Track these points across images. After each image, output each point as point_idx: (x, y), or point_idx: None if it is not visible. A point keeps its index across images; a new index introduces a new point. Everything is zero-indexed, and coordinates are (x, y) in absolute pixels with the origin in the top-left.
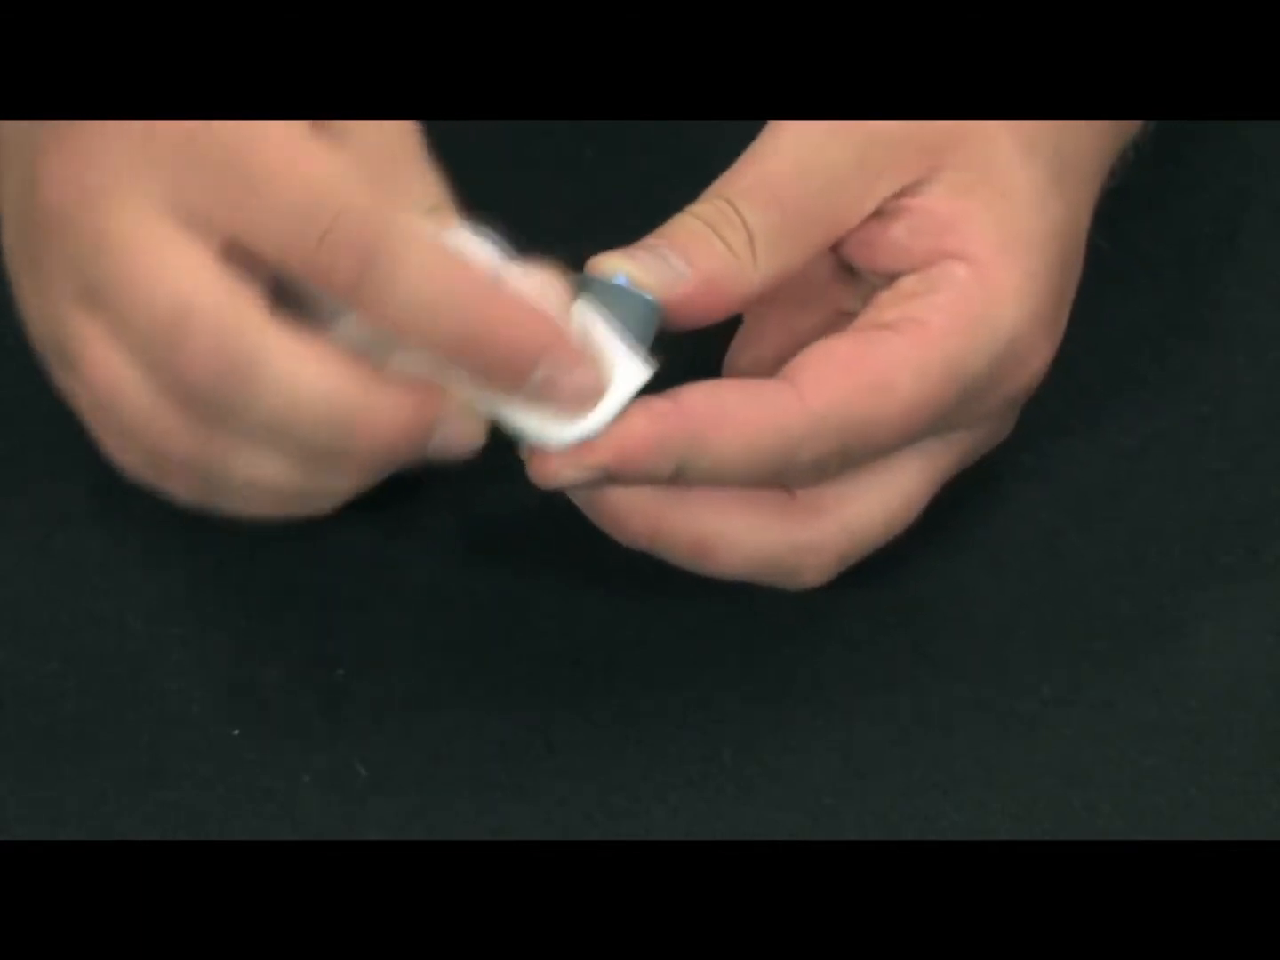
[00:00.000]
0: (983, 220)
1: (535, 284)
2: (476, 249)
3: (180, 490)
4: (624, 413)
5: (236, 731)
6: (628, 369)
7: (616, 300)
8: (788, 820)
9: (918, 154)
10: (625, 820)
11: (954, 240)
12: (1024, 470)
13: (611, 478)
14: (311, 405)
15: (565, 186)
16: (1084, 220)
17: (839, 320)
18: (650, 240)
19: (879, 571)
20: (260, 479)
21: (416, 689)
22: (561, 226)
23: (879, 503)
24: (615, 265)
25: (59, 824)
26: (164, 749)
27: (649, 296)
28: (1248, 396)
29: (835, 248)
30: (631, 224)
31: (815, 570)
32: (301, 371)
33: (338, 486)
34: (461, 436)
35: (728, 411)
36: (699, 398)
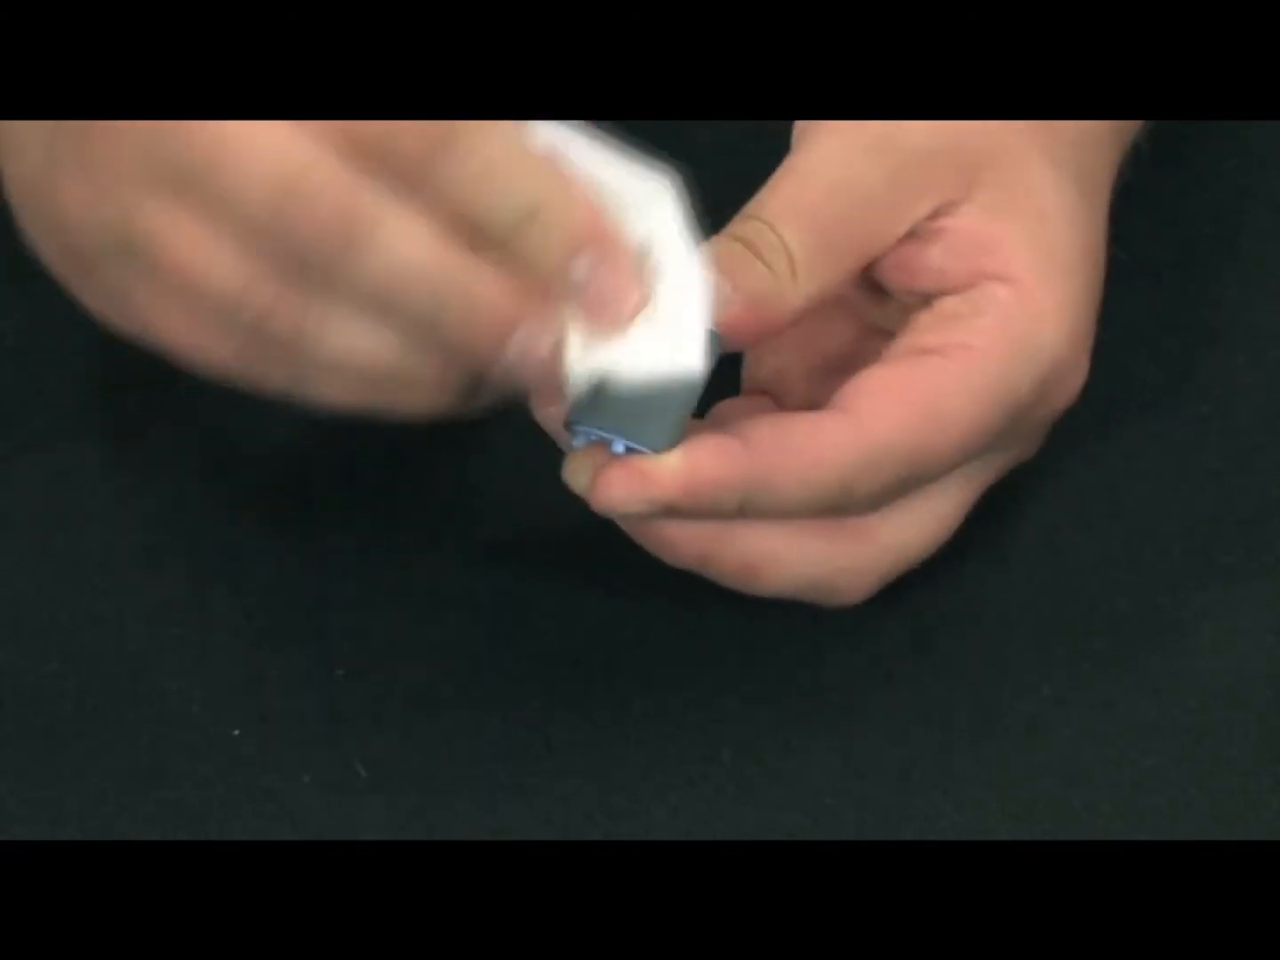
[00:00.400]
0: (1019, 241)
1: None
2: (571, 139)
3: (270, 374)
4: (690, 449)
5: (236, 731)
6: (684, 354)
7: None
8: (788, 820)
9: (951, 174)
10: (625, 820)
11: (992, 262)
12: (1026, 470)
13: (673, 512)
14: (418, 271)
15: None
16: (1105, 232)
17: (866, 335)
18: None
19: None
20: (356, 352)
21: (416, 689)
22: None
23: (919, 525)
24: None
25: (59, 824)
26: (164, 749)
27: (709, 329)
28: (1248, 396)
29: (868, 267)
30: None
31: (856, 590)
32: (413, 238)
33: (425, 377)
34: (542, 347)
35: (794, 449)
36: (766, 434)
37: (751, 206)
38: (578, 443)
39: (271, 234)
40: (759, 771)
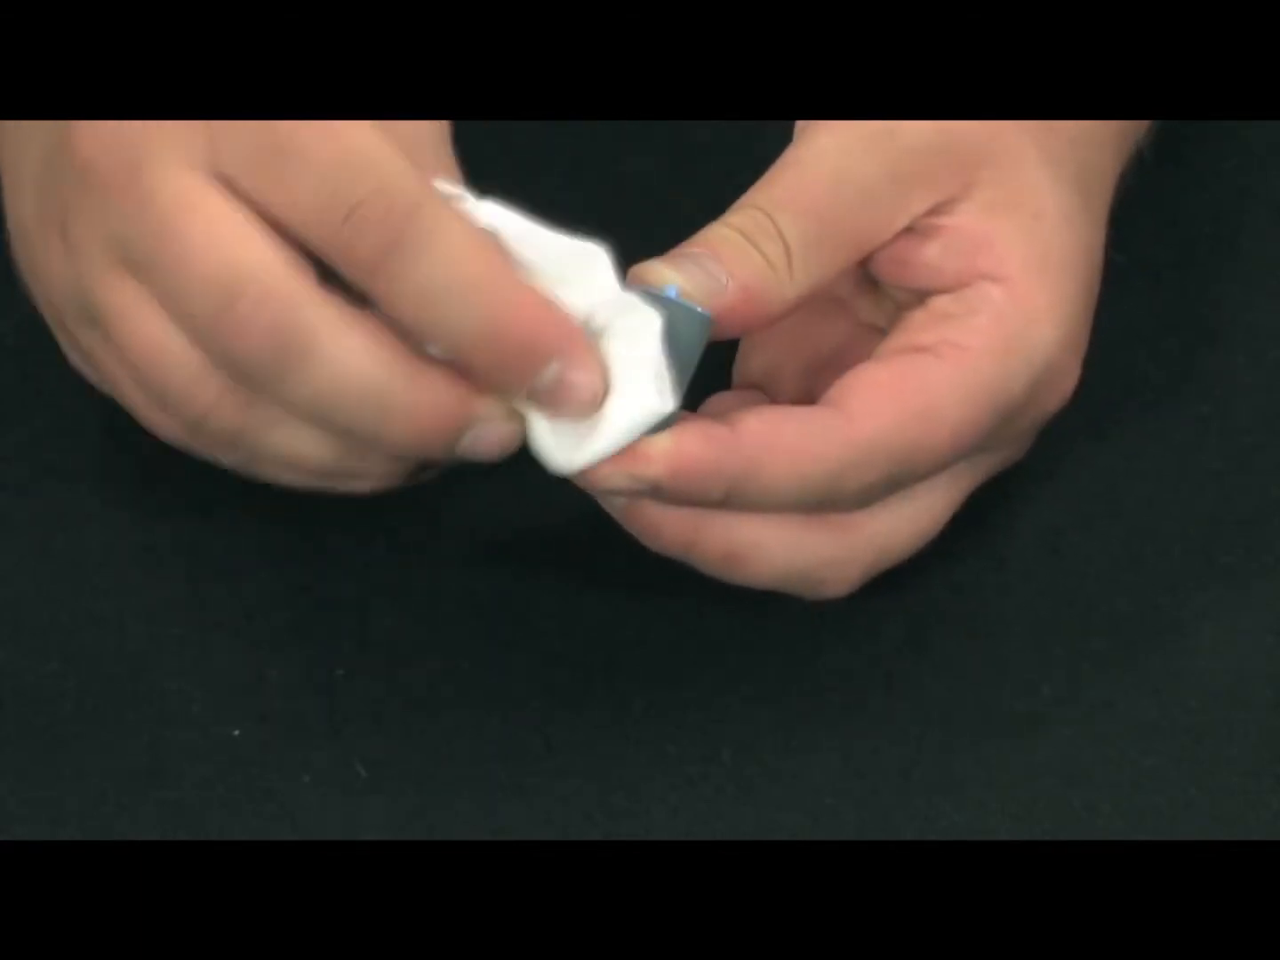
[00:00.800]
0: (1015, 241)
1: (573, 251)
2: (509, 221)
3: (217, 455)
4: (680, 432)
5: (236, 731)
6: (649, 399)
7: (667, 313)
8: (788, 820)
9: (950, 171)
10: (625, 820)
11: (988, 261)
12: (1024, 470)
13: (658, 492)
14: (357, 387)
15: (569, 187)
16: (1103, 236)
17: (858, 332)
18: (690, 248)
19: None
20: (298, 454)
21: (416, 689)
22: (564, 226)
23: (907, 521)
24: (664, 276)
25: (59, 824)
26: (164, 749)
27: (700, 310)
28: (1248, 396)
29: (863, 262)
30: (635, 225)
31: (840, 583)
32: (350, 351)
33: (371, 470)
34: (496, 438)
35: (783, 441)
36: (756, 425)
37: (750, 195)
38: None
39: (215, 337)
40: (759, 771)
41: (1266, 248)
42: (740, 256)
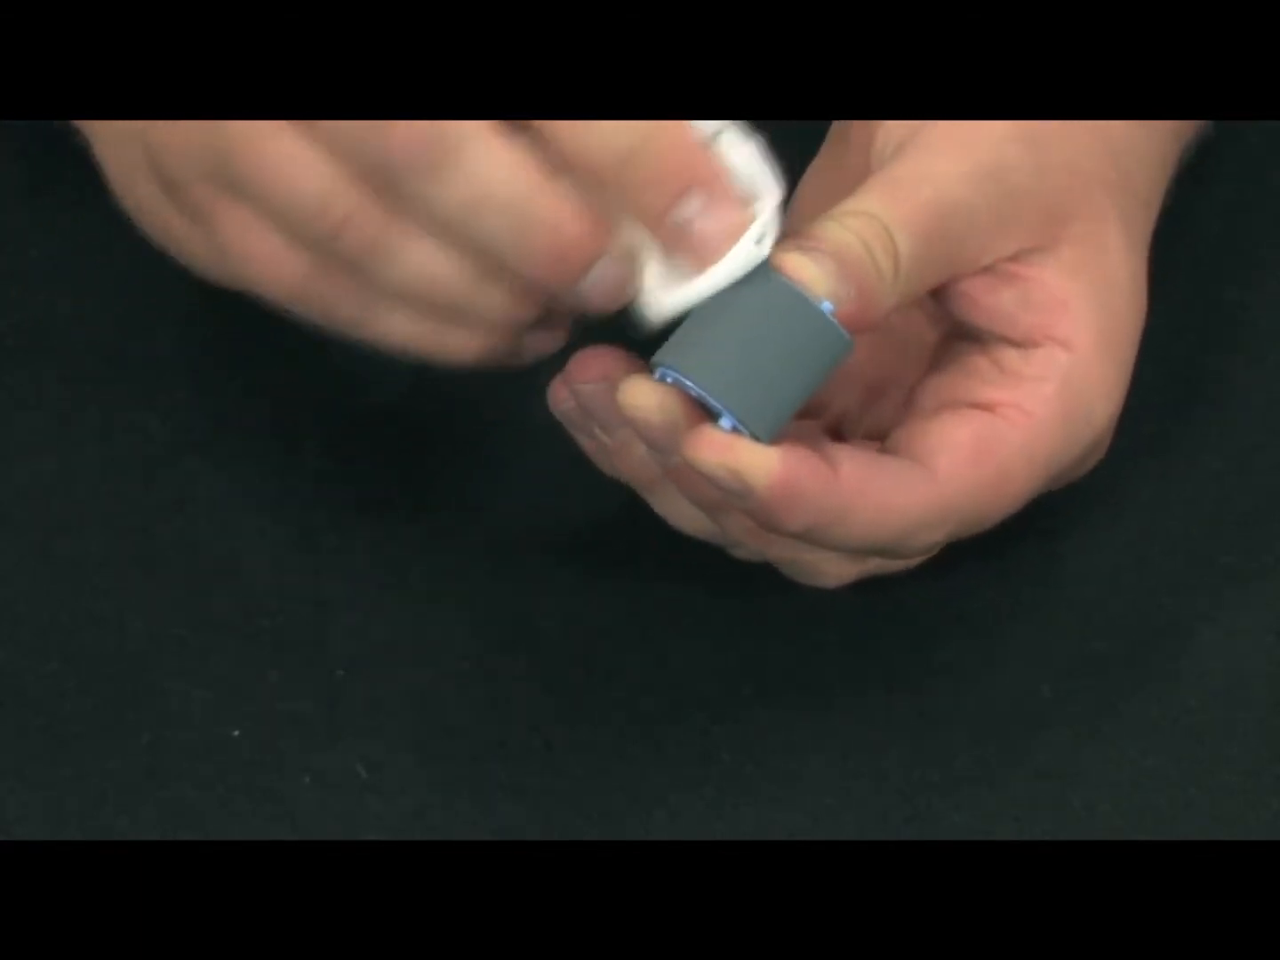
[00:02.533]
0: (1089, 307)
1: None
2: None
3: (337, 300)
4: (787, 456)
5: (236, 732)
6: (746, 248)
7: (809, 323)
8: (788, 820)
9: (1043, 222)
10: (625, 820)
11: (1061, 325)
12: None
13: (743, 498)
14: (503, 194)
15: None
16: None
17: (889, 342)
18: (816, 244)
19: None
20: (428, 275)
21: (416, 689)
22: None
23: None
24: (816, 283)
25: (59, 824)
26: (164, 749)
27: (848, 337)
28: (1248, 397)
29: (937, 291)
30: None
31: (835, 577)
32: (499, 159)
33: (494, 307)
34: (615, 279)
35: (874, 491)
36: (852, 470)
37: (865, 202)
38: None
39: (360, 145)
40: (759, 771)
41: (1266, 248)
42: (862, 267)
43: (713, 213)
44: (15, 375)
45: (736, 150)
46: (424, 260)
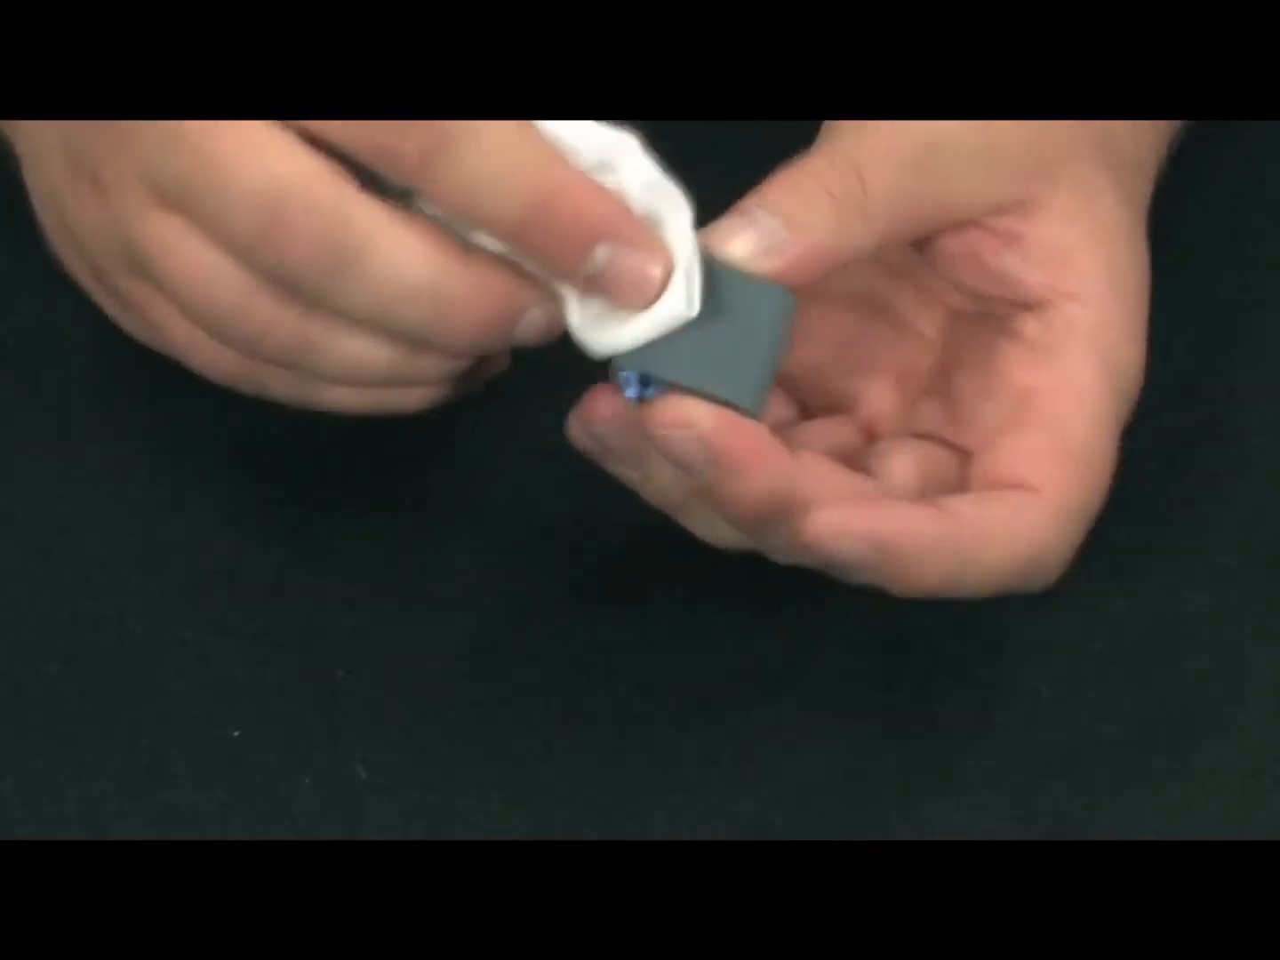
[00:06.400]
0: (1091, 255)
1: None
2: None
3: (275, 387)
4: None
5: (236, 732)
6: (676, 303)
7: (744, 292)
8: (788, 820)
9: (1038, 168)
10: (625, 820)
11: (1068, 278)
12: None
13: (873, 553)
14: (415, 286)
15: None
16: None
17: (899, 333)
18: (752, 204)
19: None
20: (357, 363)
21: (416, 689)
22: None
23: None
24: (729, 249)
25: (59, 824)
26: (164, 749)
27: (782, 291)
28: (1249, 397)
29: (928, 257)
30: None
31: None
32: (404, 252)
33: (429, 373)
34: (546, 323)
35: (994, 522)
36: (972, 512)
37: (834, 144)
38: (629, 392)
39: (264, 253)
40: (759, 771)
41: (1267, 248)
42: (808, 206)
43: (624, 257)
44: (15, 375)
45: (635, 169)
46: (351, 350)
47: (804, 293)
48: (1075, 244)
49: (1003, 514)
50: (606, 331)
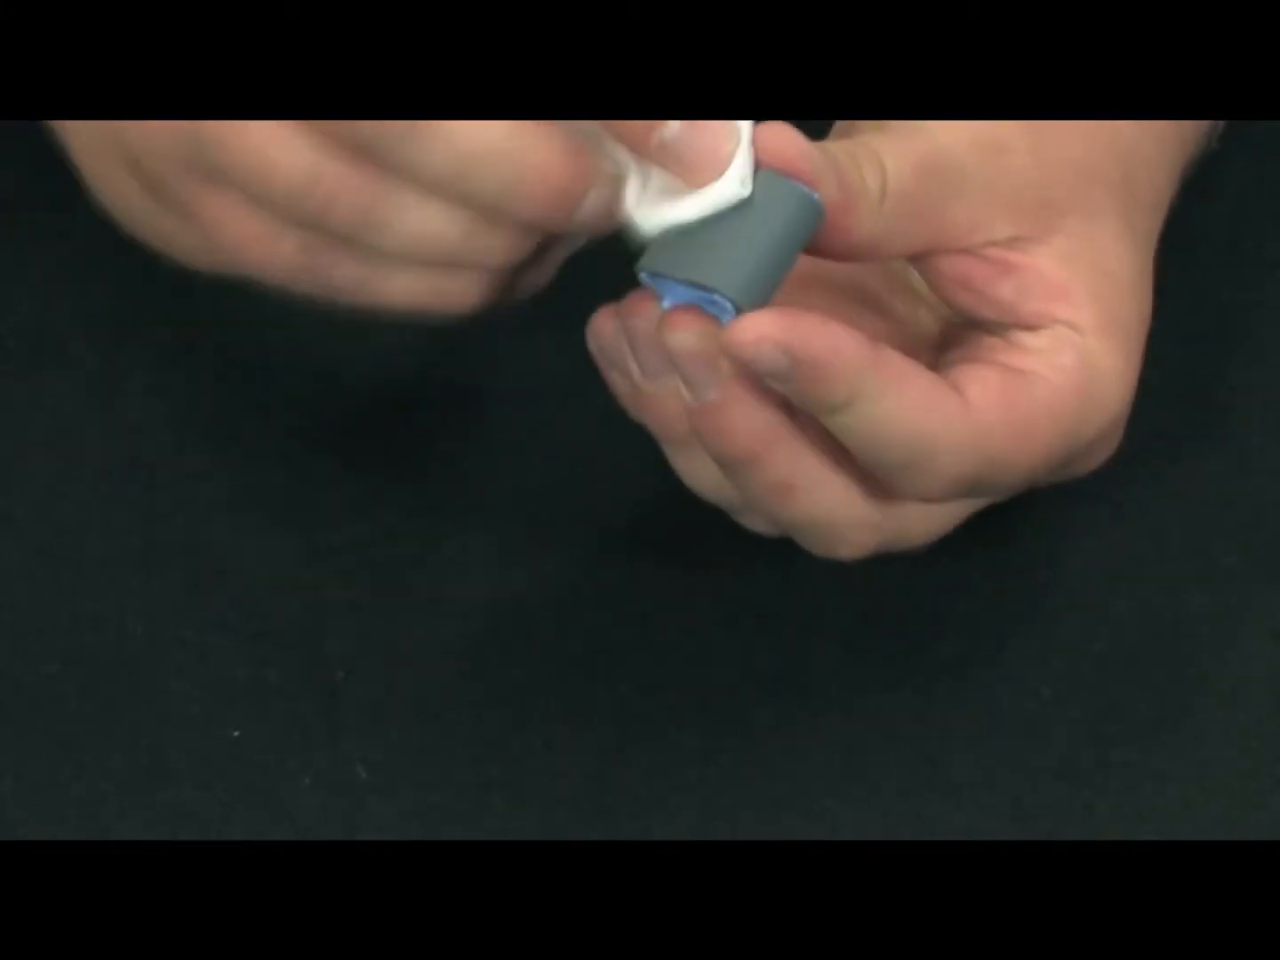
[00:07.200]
0: (1087, 295)
1: None
2: None
3: (333, 272)
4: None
5: (236, 732)
6: (730, 184)
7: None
8: (788, 820)
9: (1039, 208)
10: (625, 820)
11: (1064, 309)
12: None
13: (787, 363)
14: (491, 147)
15: None
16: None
17: (894, 328)
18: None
19: (879, 572)
20: (425, 235)
21: (416, 689)
22: None
23: (930, 516)
24: (790, 153)
25: (59, 824)
26: (164, 749)
27: (815, 196)
28: (1249, 398)
29: (929, 275)
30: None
31: (854, 546)
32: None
33: (494, 252)
34: (605, 206)
35: (915, 380)
36: (897, 355)
37: (858, 135)
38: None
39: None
40: (759, 771)
41: (1267, 248)
42: (847, 167)
43: (698, 129)
44: (15, 375)
45: None
46: (419, 221)
47: (804, 278)
48: (1071, 281)
49: (922, 378)
50: (659, 210)
